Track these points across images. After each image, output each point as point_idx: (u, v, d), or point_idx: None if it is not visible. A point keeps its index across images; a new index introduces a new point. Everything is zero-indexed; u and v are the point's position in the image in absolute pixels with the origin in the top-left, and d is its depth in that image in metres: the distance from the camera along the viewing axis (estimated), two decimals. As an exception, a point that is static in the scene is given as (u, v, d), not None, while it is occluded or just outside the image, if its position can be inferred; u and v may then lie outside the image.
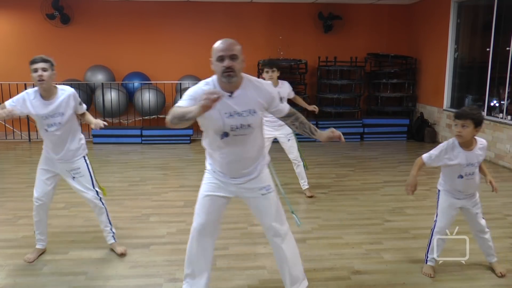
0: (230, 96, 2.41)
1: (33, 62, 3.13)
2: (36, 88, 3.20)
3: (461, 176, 2.97)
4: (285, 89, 4.80)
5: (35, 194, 3.34)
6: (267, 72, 4.67)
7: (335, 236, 3.84)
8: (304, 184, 5.00)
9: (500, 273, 3.16)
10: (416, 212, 4.51)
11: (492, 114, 6.92)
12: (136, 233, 3.89)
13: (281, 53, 9.16)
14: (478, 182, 3.05)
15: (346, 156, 7.17)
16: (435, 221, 3.16)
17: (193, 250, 2.68)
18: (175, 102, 8.66)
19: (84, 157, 3.46)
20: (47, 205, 3.39)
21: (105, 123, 3.49)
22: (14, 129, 8.69)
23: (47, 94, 3.19)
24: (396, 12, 9.43)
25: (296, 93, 8.90)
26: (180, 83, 8.71)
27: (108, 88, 8.49)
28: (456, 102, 8.09)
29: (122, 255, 3.42)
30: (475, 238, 3.23)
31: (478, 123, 2.85)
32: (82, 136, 3.47)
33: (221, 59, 2.37)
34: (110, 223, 3.51)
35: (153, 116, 8.71)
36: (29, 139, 8.32)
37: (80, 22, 8.98)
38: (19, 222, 4.12)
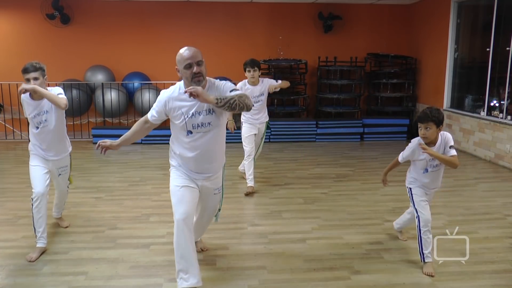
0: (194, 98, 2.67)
1: (25, 71, 3.32)
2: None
3: (426, 170, 3.25)
4: (265, 85, 5.09)
5: (37, 189, 3.40)
6: (249, 71, 4.97)
7: (335, 236, 3.84)
8: (250, 180, 5.08)
9: (404, 238, 3.68)
10: (416, 212, 4.50)
11: (492, 114, 6.92)
12: (136, 233, 3.89)
13: (281, 53, 9.16)
14: (442, 174, 3.30)
15: (346, 156, 7.17)
16: (417, 217, 3.23)
17: (183, 243, 2.75)
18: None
19: (69, 154, 3.75)
20: (47, 198, 3.47)
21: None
22: (14, 129, 8.69)
23: (38, 97, 3.41)
24: (396, 12, 9.43)
25: (296, 93, 9.01)
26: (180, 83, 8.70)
27: (108, 88, 8.49)
28: (456, 102, 8.09)
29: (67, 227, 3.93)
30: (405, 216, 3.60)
31: (439, 123, 3.12)
32: (66, 135, 3.70)
33: (189, 66, 2.70)
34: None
35: (153, 116, 8.70)
36: (29, 139, 8.30)
37: (80, 22, 8.98)
38: (19, 222, 4.12)
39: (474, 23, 7.96)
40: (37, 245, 3.42)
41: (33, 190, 3.42)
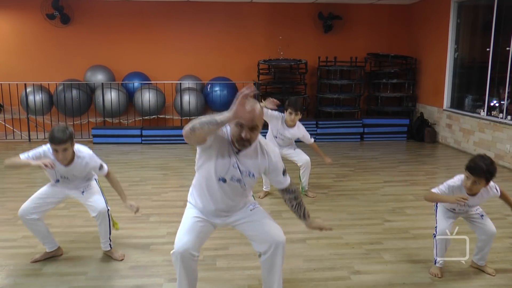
0: (237, 153, 2.41)
1: (53, 142, 2.95)
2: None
3: (453, 210, 3.08)
4: (300, 131, 4.79)
5: (26, 209, 3.16)
6: (290, 113, 4.64)
7: (335, 236, 3.84)
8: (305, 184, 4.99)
9: (493, 272, 3.18)
10: (416, 212, 4.51)
11: (492, 114, 6.92)
12: (136, 233, 3.89)
13: (281, 53, 9.16)
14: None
15: (346, 156, 7.17)
16: (436, 226, 3.15)
17: (183, 276, 2.47)
18: (175, 102, 8.68)
19: (95, 179, 3.44)
20: (33, 220, 3.20)
21: (138, 207, 3.36)
22: (14, 129, 8.69)
23: (67, 162, 3.12)
24: (396, 12, 9.43)
25: (296, 93, 9.01)
26: (180, 83, 8.71)
27: (108, 88, 8.49)
28: (456, 102, 8.09)
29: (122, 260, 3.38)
30: (480, 242, 3.17)
31: (490, 180, 2.84)
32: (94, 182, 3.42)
33: (240, 126, 2.28)
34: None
35: (153, 116, 8.71)
36: (29, 139, 8.31)
37: (80, 22, 8.98)
38: (19, 222, 4.08)
39: (474, 23, 7.96)
40: (46, 250, 3.38)
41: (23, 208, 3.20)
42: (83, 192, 3.30)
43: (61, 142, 2.93)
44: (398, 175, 5.98)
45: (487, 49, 7.02)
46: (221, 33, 9.20)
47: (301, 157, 4.88)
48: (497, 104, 6.95)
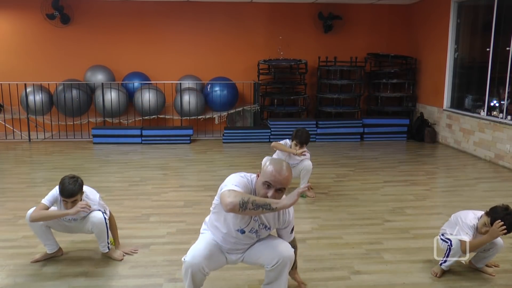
0: None
1: (64, 195, 3.01)
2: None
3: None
4: (307, 157, 4.79)
5: (28, 214, 3.13)
6: (296, 145, 4.68)
7: (335, 236, 3.84)
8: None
9: (493, 272, 3.18)
10: (416, 212, 4.50)
11: (492, 114, 6.92)
12: (136, 233, 3.89)
13: (281, 53, 9.16)
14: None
15: (346, 156, 7.17)
16: (450, 245, 3.08)
17: (190, 285, 2.49)
18: (175, 102, 8.68)
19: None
20: (38, 225, 3.21)
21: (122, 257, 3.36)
22: (14, 129, 8.69)
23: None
24: (396, 12, 9.43)
25: (296, 93, 9.02)
26: (180, 83, 8.71)
27: (108, 88, 8.49)
28: (456, 102, 8.09)
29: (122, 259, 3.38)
30: (485, 253, 3.16)
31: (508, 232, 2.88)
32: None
33: (267, 186, 2.32)
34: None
35: (153, 116, 8.71)
36: (29, 139, 8.31)
37: (80, 22, 8.98)
38: (19, 222, 4.11)
39: (474, 23, 7.96)
40: (47, 251, 3.38)
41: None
42: (75, 220, 3.28)
43: (72, 195, 3.03)
44: (398, 175, 5.98)
45: (487, 49, 7.02)
46: (221, 33, 9.20)
47: (304, 163, 4.79)
48: (497, 104, 6.95)
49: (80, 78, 8.88)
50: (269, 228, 2.54)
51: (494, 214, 2.95)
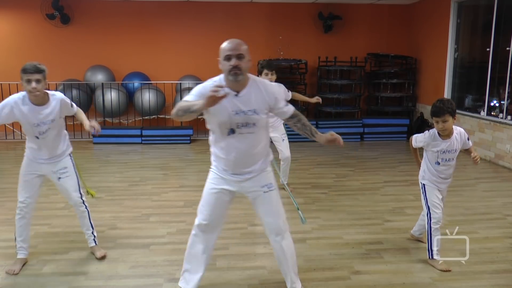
0: (236, 95, 2.50)
1: (26, 71, 2.97)
2: (24, 94, 3.05)
3: (438, 163, 3.25)
4: (281, 89, 4.78)
5: (23, 195, 3.19)
6: (266, 74, 4.67)
7: (335, 236, 3.84)
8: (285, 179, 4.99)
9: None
10: (416, 212, 4.49)
11: (492, 114, 6.92)
12: (136, 233, 3.89)
13: (281, 53, 9.16)
14: (454, 168, 3.33)
15: (346, 156, 7.17)
16: (429, 215, 3.26)
17: (195, 247, 2.74)
18: (175, 102, 8.67)
19: (69, 154, 3.36)
20: (34, 206, 3.28)
21: (99, 128, 3.36)
22: (14, 129, 8.68)
23: (39, 101, 3.06)
24: (396, 12, 9.43)
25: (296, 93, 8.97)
26: (180, 83, 8.71)
27: (108, 88, 8.49)
28: (456, 102, 8.06)
29: (102, 258, 3.37)
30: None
31: (454, 113, 3.11)
32: (66, 132, 3.39)
33: (228, 58, 2.47)
34: (92, 227, 3.44)
35: (153, 116, 8.71)
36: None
37: (80, 22, 8.98)
38: (19, 222, 4.11)
39: (474, 23, 7.96)
40: (18, 256, 3.26)
41: (18, 197, 3.23)
42: (59, 178, 3.26)
43: (36, 71, 2.98)
44: (398, 175, 5.98)
45: (487, 49, 7.02)
46: (221, 33, 9.18)
47: (285, 151, 4.96)
48: (497, 104, 6.95)
49: (80, 78, 8.88)
50: (258, 112, 2.53)
51: (430, 109, 3.23)
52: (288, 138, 4.99)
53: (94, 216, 4.30)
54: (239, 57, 2.46)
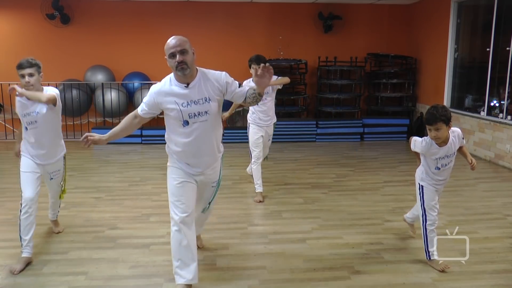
0: (186, 87, 2.70)
1: (20, 67, 3.22)
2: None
3: (438, 168, 3.19)
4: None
5: (28, 194, 3.24)
6: (254, 68, 4.63)
7: (335, 236, 3.84)
8: (259, 185, 4.86)
9: (414, 233, 3.71)
10: (416, 212, 4.50)
11: (492, 114, 6.92)
12: (136, 233, 3.89)
13: (281, 53, 9.16)
14: (452, 169, 3.30)
15: (346, 156, 7.17)
16: (424, 216, 3.24)
17: (183, 242, 2.80)
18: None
19: (64, 156, 3.65)
20: (37, 205, 3.34)
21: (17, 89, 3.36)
22: (14, 129, 8.68)
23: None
24: (396, 12, 9.43)
25: (296, 93, 9.01)
26: (180, 83, 8.70)
27: (108, 88, 8.49)
28: (456, 102, 8.09)
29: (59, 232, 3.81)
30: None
31: (448, 121, 3.01)
32: (61, 135, 3.63)
33: (173, 55, 2.72)
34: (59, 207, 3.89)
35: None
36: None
37: (80, 22, 8.98)
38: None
39: (474, 23, 7.96)
40: (22, 255, 3.24)
41: (22, 195, 3.26)
42: (51, 178, 3.57)
43: (28, 66, 3.23)
44: (398, 175, 5.98)
45: (487, 49, 7.02)
46: (221, 33, 9.20)
47: (266, 151, 5.10)
48: (497, 104, 6.95)
49: (80, 78, 8.88)
50: (209, 100, 2.71)
51: (424, 117, 3.18)
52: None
53: (94, 216, 4.33)
54: (183, 52, 2.69)
